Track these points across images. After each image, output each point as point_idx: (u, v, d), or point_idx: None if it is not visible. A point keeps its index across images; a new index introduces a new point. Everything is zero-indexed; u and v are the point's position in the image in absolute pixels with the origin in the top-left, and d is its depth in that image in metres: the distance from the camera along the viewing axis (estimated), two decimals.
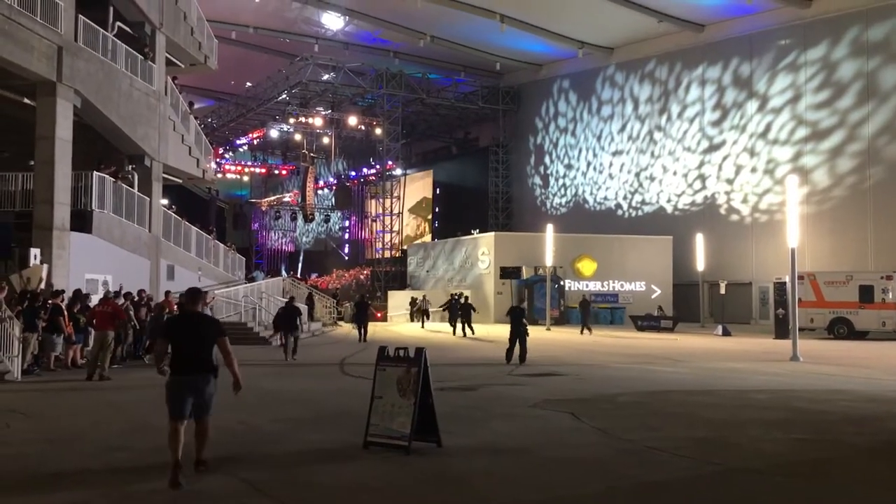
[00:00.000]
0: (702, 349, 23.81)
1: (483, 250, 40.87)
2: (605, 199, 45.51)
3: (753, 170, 38.34)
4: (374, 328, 30.39)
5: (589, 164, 46.51)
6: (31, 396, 12.83)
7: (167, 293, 21.17)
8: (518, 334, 18.22)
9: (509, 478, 7.29)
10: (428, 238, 54.27)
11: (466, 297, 31.65)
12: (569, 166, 47.75)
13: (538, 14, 40.04)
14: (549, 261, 34.46)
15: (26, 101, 20.46)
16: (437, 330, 32.47)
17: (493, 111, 50.28)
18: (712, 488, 7.07)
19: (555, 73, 48.36)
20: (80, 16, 20.85)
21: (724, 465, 7.82)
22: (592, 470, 7.64)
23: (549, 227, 35.36)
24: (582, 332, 29.63)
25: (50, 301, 16.32)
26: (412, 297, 40.47)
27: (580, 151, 47.07)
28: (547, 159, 49.15)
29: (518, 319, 18.44)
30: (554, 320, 34.53)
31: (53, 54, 19.54)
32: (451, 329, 30.17)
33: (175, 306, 20.08)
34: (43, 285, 17.67)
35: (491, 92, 49.87)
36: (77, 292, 18.05)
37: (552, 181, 48.88)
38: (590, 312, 31.66)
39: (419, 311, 37.27)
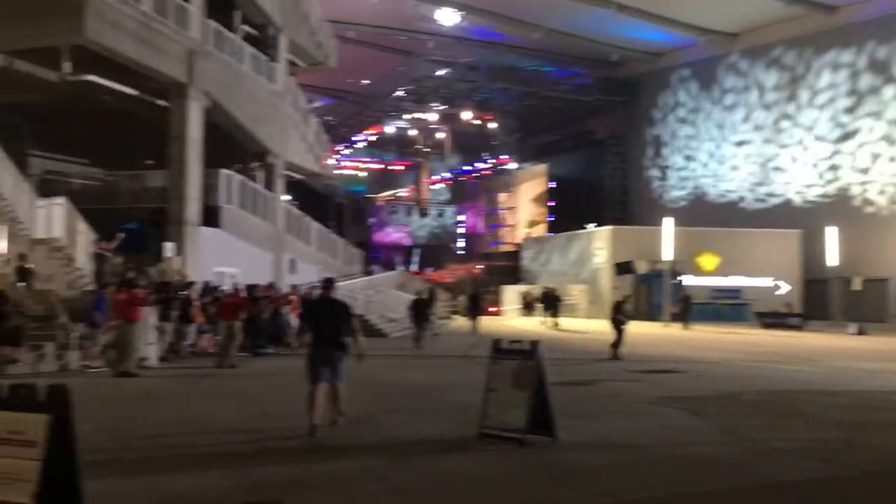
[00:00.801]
0: (833, 348, 22.60)
1: (599, 244, 40.22)
2: (728, 191, 43.84)
3: (892, 159, 36.00)
4: (485, 322, 30.60)
5: (710, 155, 44.93)
6: (165, 382, 13.59)
7: (293, 287, 21.91)
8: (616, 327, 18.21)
9: (626, 473, 7.15)
10: (542, 232, 53.88)
11: (554, 290, 33.99)
12: (688, 158, 46.28)
13: (656, 2, 38.96)
14: (667, 255, 33.54)
15: (160, 102, 21.64)
16: (557, 326, 32.18)
17: (610, 103, 49.33)
18: (845, 491, 6.70)
19: (674, 63, 46.92)
20: (208, 20, 21.86)
21: (857, 468, 7.40)
22: (714, 469, 7.38)
23: (668, 221, 34.40)
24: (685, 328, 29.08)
25: (182, 292, 17.23)
26: (524, 291, 40.31)
27: (701, 142, 45.53)
28: (665, 151, 47.81)
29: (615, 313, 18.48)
30: (673, 316, 33.57)
31: (185, 57, 20.60)
32: (546, 321, 31.67)
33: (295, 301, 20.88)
34: (176, 277, 18.67)
35: (607, 83, 48.94)
36: (207, 284, 18.99)
37: (670, 173, 47.51)
38: (690, 309, 30.97)
39: (531, 306, 37.15)
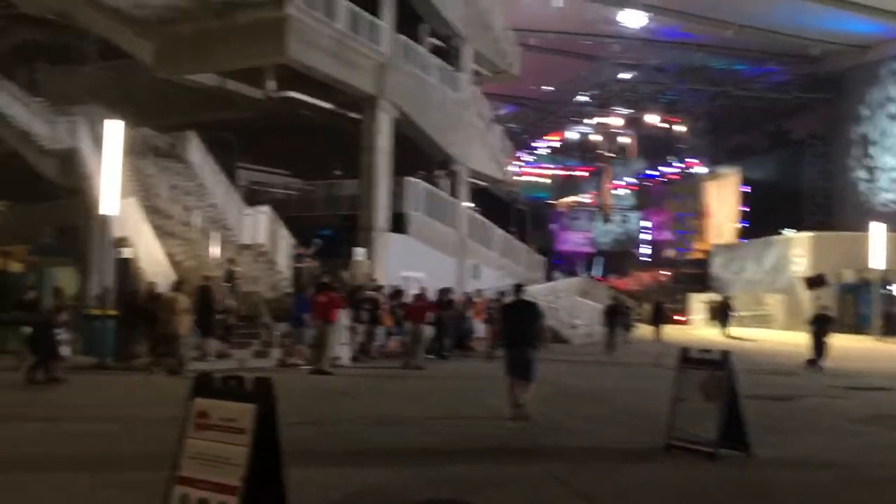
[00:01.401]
0: None
1: (797, 251, 37.66)
2: None
3: None
4: (670, 331, 29.64)
5: None
6: (356, 380, 14.25)
7: (473, 292, 22.30)
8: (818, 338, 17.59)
9: (827, 494, 6.66)
10: (734, 239, 51.30)
11: (728, 298, 33.80)
12: None
13: None
14: (876, 263, 30.85)
15: (352, 114, 22.77)
16: (738, 336, 30.54)
17: (809, 101, 46.13)
18: None
19: (884, 55, 43.07)
20: (397, 34, 22.75)
21: None
22: None
23: (877, 226, 31.64)
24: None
25: (371, 295, 18.00)
26: (710, 300, 38.48)
27: None
28: (874, 150, 44.00)
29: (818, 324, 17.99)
30: (882, 330, 30.79)
31: (375, 71, 21.56)
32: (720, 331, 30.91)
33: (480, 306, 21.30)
34: (366, 281, 19.55)
35: (806, 80, 45.79)
36: (395, 288, 19.73)
37: (880, 174, 43.65)
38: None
39: (717, 315, 35.34)
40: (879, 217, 36.95)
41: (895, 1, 37.05)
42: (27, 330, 14.10)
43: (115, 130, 15.74)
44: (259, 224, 20.77)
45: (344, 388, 13.04)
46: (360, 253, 21.04)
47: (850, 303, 34.77)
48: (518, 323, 9.85)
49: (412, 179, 23.82)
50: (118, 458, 7.52)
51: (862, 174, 44.82)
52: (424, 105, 24.26)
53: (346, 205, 24.10)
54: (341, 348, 16.42)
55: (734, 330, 32.53)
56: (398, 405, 11.46)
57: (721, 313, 32.87)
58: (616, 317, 22.78)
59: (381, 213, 22.14)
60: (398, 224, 23.08)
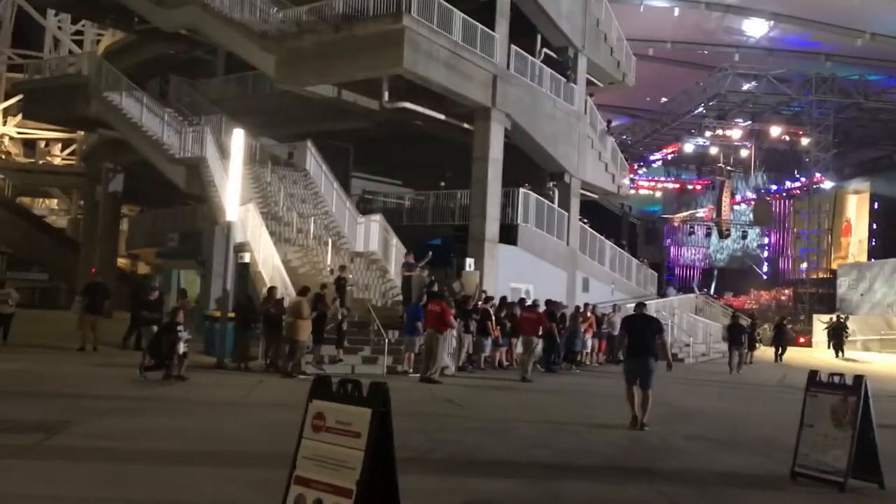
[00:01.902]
0: None
1: None
2: None
3: None
4: (792, 353, 28.38)
5: None
6: (464, 391, 14.23)
7: (585, 306, 21.99)
8: None
9: None
10: (863, 257, 48.60)
11: (843, 319, 32.76)
12: None
13: None
14: None
15: (464, 125, 22.87)
16: (855, 359, 28.82)
17: None
18: None
19: None
20: (511, 45, 22.73)
21: None
22: None
23: None
24: None
25: (481, 306, 17.98)
26: (830, 319, 36.36)
27: None
28: None
29: None
30: None
31: (489, 82, 21.58)
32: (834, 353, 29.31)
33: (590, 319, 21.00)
34: (475, 292, 19.54)
35: None
36: (503, 299, 19.64)
37: None
38: None
39: (831, 336, 33.40)
40: None
41: None
42: (154, 328, 14.86)
43: (238, 139, 16.37)
44: (371, 232, 21.15)
45: (451, 397, 13.04)
46: (470, 263, 21.07)
47: None
48: (639, 335, 10.61)
49: (523, 190, 23.69)
50: (238, 455, 7.74)
51: None
52: (536, 115, 24.11)
53: (456, 215, 24.22)
54: (449, 358, 16.45)
55: (850, 353, 30.92)
56: (507, 416, 11.35)
57: (836, 335, 31.56)
58: (740, 335, 22.26)
59: (492, 224, 22.10)
60: (508, 235, 22.97)
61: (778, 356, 26.11)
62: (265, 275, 17.25)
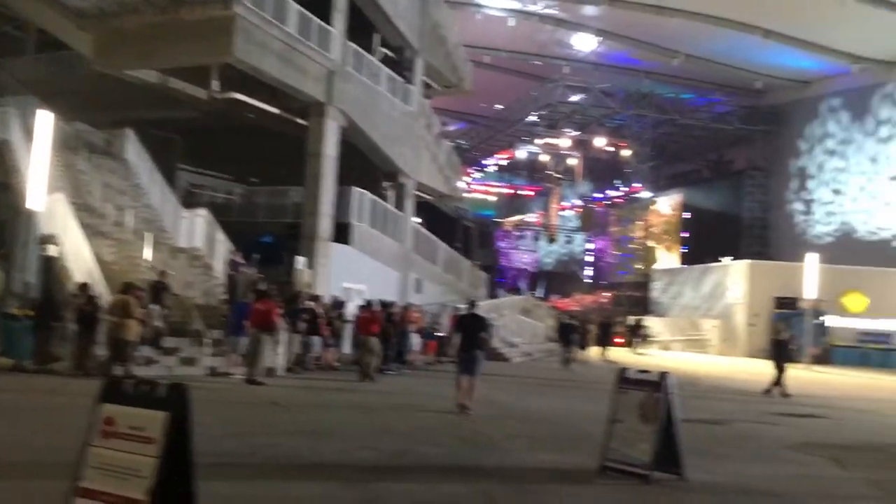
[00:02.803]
0: None
1: (734, 279, 38.45)
2: (880, 228, 40.94)
3: None
4: (615, 352, 30.01)
5: (861, 189, 42.13)
6: (290, 392, 13.83)
7: (409, 306, 22.09)
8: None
9: None
10: (675, 263, 52.18)
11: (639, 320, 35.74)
12: (836, 192, 43.58)
13: (806, 27, 37.08)
14: (809, 294, 31.59)
15: (299, 121, 22.38)
16: (650, 355, 30.93)
17: (751, 132, 47.31)
18: None
19: (824, 91, 44.46)
20: (348, 42, 22.49)
21: None
22: None
23: (811, 257, 32.43)
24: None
25: (310, 305, 17.60)
26: (632, 321, 38.86)
27: (851, 175, 42.80)
28: (811, 184, 45.26)
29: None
30: (814, 359, 31.51)
31: (325, 78, 21.25)
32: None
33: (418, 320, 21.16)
34: (304, 291, 19.13)
35: (749, 112, 46.99)
36: (335, 299, 19.35)
37: (816, 207, 44.89)
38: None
39: (627, 336, 36.55)
40: (814, 249, 37.97)
41: (837, 39, 38.29)
42: None
43: (45, 123, 15.10)
44: (196, 228, 20.19)
45: (276, 399, 12.63)
46: (301, 262, 20.62)
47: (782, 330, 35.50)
48: (470, 331, 12.10)
49: (358, 189, 23.51)
50: (10, 465, 7.05)
51: (799, 206, 46.05)
52: (373, 115, 24.02)
53: (289, 212, 23.64)
54: (276, 358, 15.97)
55: (654, 351, 33.66)
56: (332, 418, 11.12)
57: (633, 335, 35.11)
58: (570, 334, 23.70)
59: (325, 223, 21.77)
60: (342, 234, 22.73)
61: (604, 355, 27.73)
62: (74, 269, 16.00)
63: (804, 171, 45.75)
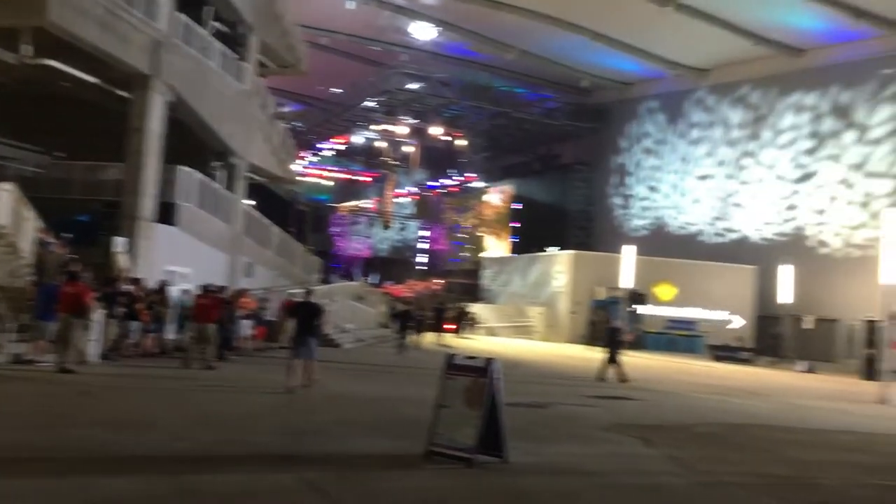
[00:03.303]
0: (783, 384, 22.76)
1: (558, 268, 40.28)
2: (688, 223, 44.27)
3: (848, 202, 36.65)
4: (449, 338, 30.62)
5: (674, 187, 45.36)
6: (105, 380, 13.05)
7: (242, 291, 21.46)
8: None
9: (574, 500, 6.91)
10: (506, 252, 53.93)
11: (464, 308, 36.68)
12: (652, 188, 46.69)
13: (630, 32, 39.34)
14: (627, 282, 33.66)
15: (121, 93, 21.06)
16: (474, 339, 32.05)
17: (577, 129, 49.64)
18: None
19: (644, 93, 47.43)
20: (177, 13, 21.40)
21: None
22: (667, 500, 7.18)
23: (628, 249, 34.57)
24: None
25: (129, 288, 16.66)
26: (457, 309, 40.04)
27: (665, 174, 45.97)
28: (630, 180, 48.20)
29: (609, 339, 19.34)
30: (628, 344, 33.59)
31: (150, 49, 20.10)
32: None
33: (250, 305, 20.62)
34: (123, 274, 18.08)
35: (576, 109, 49.27)
36: (160, 283, 18.44)
37: (633, 202, 47.88)
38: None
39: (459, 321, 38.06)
40: (631, 241, 40.54)
41: (656, 45, 40.89)
42: None
43: None
44: (0, 204, 18.49)
45: (89, 387, 11.87)
46: (119, 243, 19.45)
47: (601, 318, 37.64)
48: (306, 318, 13.18)
49: (185, 168, 22.46)
50: None
51: (618, 201, 48.90)
52: (203, 90, 23.02)
53: (108, 190, 22.20)
54: (90, 345, 14.99)
55: (473, 336, 34.97)
56: (148, 408, 10.59)
57: (459, 321, 36.50)
58: (407, 320, 24.43)
59: (148, 202, 20.63)
60: (166, 215, 21.63)
61: (439, 340, 28.32)
62: None
63: (624, 167, 48.61)
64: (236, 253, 26.08)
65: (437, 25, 41.40)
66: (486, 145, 51.43)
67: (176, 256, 21.76)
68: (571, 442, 9.98)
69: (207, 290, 16.67)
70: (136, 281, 17.37)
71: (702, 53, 41.29)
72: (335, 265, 58.56)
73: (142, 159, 20.34)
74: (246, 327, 20.35)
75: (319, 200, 66.37)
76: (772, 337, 35.97)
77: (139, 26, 19.53)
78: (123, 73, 20.16)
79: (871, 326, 26.78)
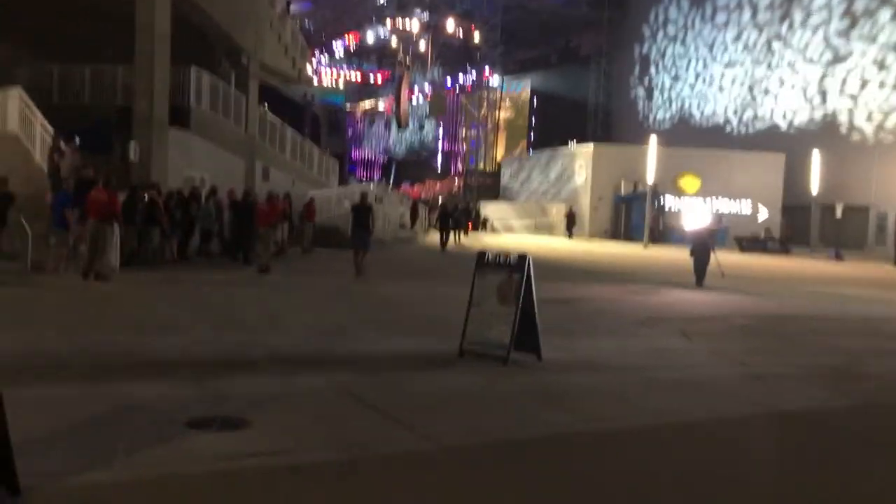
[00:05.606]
0: (815, 273, 22.36)
1: (580, 163, 39.49)
2: (714, 113, 43.04)
3: (882, 84, 35.30)
4: (465, 238, 30.39)
5: (698, 75, 43.91)
6: (128, 287, 12.86)
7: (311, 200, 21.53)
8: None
9: (615, 396, 6.63)
10: (524, 149, 53.02)
11: (458, 207, 33.27)
12: (675, 78, 45.24)
13: None
14: (651, 176, 32.91)
15: None
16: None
17: (598, 17, 47.80)
18: (857, 420, 6.24)
19: None
20: None
21: (863, 399, 6.96)
22: (713, 395, 6.88)
23: (653, 139, 33.63)
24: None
25: (149, 194, 16.32)
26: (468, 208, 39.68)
27: (689, 62, 44.41)
28: (652, 70, 46.69)
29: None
30: (650, 238, 33.20)
31: None
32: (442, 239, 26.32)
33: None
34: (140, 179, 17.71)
35: None
36: (193, 189, 18.20)
37: (656, 93, 46.53)
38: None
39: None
40: (653, 134, 39.45)
41: None
42: None
43: None
44: (8, 109, 18.00)
45: (113, 295, 11.68)
46: (134, 148, 19.02)
47: (624, 212, 37.17)
48: (362, 217, 15.74)
49: (196, 68, 21.75)
50: None
51: (641, 92, 47.54)
52: None
53: (118, 94, 21.60)
54: (112, 251, 14.76)
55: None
56: (173, 314, 10.37)
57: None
58: (447, 219, 24.99)
59: (160, 105, 20.05)
60: (180, 118, 21.08)
61: (446, 240, 27.94)
62: None
63: (647, 57, 47.02)
64: (252, 156, 25.61)
65: None
66: (500, 39, 49.81)
67: (192, 161, 21.36)
68: (606, 337, 9.70)
69: (270, 197, 17.19)
70: (154, 185, 17.00)
71: None
72: (352, 168, 58.03)
73: (151, 59, 19.65)
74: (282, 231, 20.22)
75: (334, 103, 65.19)
76: (799, 227, 35.39)
77: None
78: None
79: None
